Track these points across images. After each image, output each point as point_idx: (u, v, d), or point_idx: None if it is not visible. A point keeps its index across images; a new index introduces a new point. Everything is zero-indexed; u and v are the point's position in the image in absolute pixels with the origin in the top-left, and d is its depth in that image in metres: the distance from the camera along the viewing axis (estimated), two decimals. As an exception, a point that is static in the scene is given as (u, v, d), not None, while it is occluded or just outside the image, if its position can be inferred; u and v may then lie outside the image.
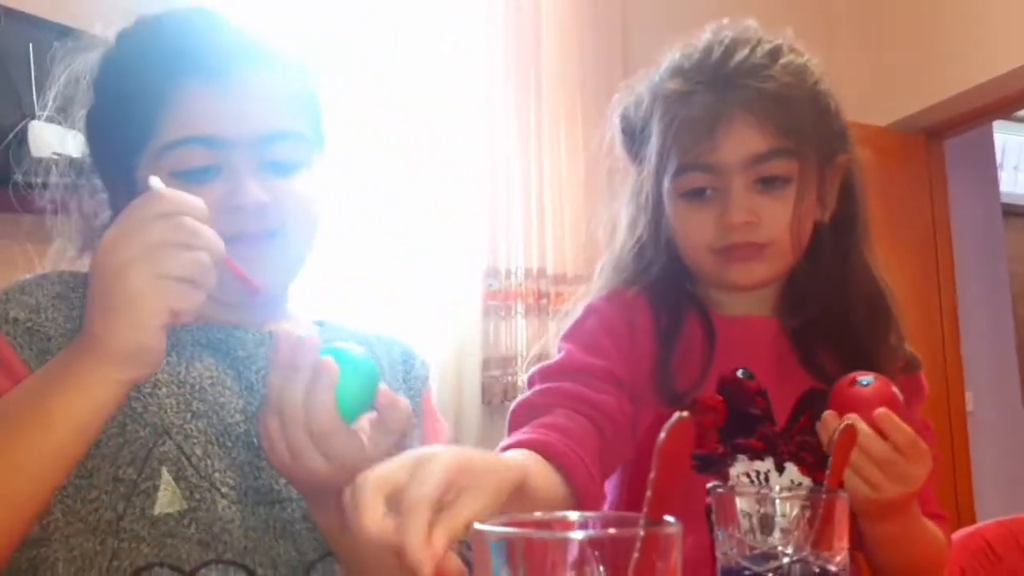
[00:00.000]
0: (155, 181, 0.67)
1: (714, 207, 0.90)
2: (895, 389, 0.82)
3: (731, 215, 0.89)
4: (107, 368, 0.64)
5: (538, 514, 0.45)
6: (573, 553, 0.37)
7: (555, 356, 0.93)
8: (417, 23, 2.57)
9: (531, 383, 0.92)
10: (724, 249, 0.91)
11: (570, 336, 0.95)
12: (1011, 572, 1.11)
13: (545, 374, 0.91)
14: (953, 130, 3.20)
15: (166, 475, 0.73)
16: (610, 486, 0.98)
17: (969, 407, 3.22)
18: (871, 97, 3.18)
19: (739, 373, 0.93)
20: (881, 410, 0.79)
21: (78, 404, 0.64)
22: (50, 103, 0.87)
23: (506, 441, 0.83)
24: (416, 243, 2.52)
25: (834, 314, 0.95)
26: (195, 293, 0.64)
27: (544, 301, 2.57)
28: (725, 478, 0.90)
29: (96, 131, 0.85)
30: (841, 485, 0.66)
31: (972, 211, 3.53)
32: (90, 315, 0.65)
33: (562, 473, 0.78)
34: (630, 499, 0.97)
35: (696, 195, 0.91)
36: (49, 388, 0.65)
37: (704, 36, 0.95)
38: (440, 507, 0.51)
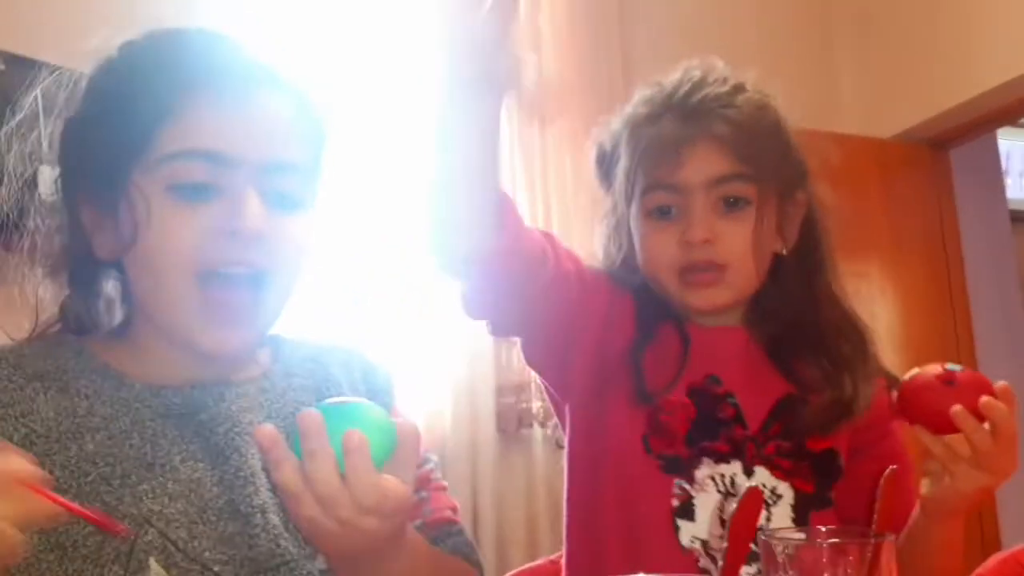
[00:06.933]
0: None
1: (677, 226, 0.96)
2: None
3: (691, 232, 0.94)
4: None
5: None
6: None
7: None
8: (422, 56, 2.57)
9: None
10: (686, 269, 0.96)
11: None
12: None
13: None
14: (958, 139, 3.19)
15: (155, 566, 0.70)
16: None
17: (986, 416, 3.19)
18: (874, 110, 3.18)
19: (709, 379, 0.97)
20: (989, 399, 0.79)
21: None
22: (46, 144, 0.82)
23: None
24: (427, 269, 2.50)
25: (805, 331, 0.99)
26: None
27: (556, 326, 2.56)
28: (691, 480, 0.94)
29: (88, 138, 0.79)
30: (888, 529, 0.65)
31: (980, 219, 3.51)
32: None
33: None
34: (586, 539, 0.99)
35: (661, 214, 0.97)
36: None
37: (674, 74, 1.03)
38: None
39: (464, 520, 2.53)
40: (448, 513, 0.90)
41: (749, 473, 0.94)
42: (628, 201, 1.00)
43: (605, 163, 1.06)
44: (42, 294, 0.84)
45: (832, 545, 0.54)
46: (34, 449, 0.72)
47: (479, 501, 2.39)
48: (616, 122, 1.05)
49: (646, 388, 0.95)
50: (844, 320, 1.01)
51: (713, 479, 0.94)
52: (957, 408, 0.79)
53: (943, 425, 0.81)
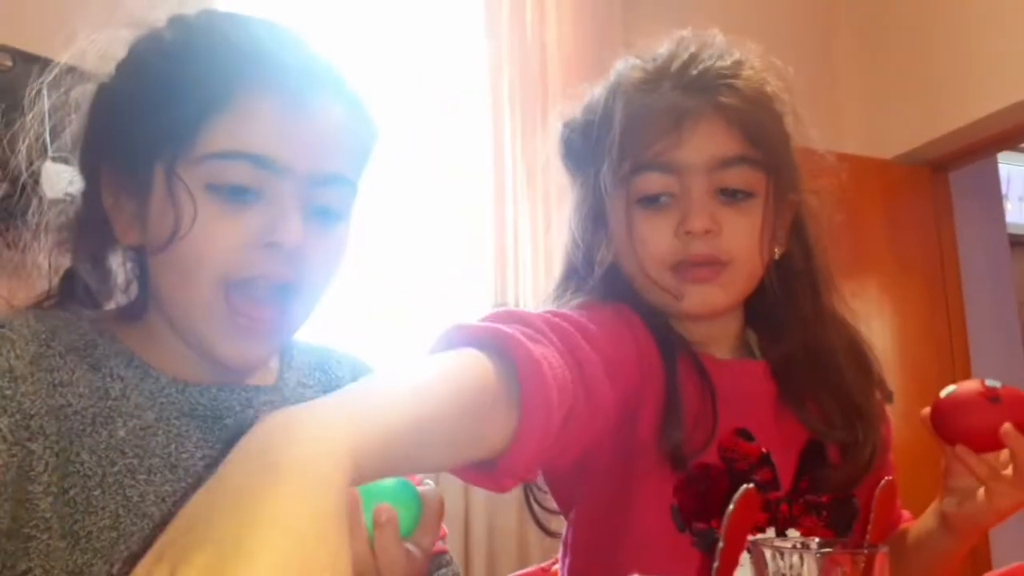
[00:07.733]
0: None
1: (672, 216, 0.82)
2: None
3: (691, 220, 0.80)
4: None
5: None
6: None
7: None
8: (424, 64, 2.59)
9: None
10: (681, 264, 0.82)
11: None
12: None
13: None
14: (958, 162, 3.20)
15: None
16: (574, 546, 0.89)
17: (982, 439, 3.19)
18: (876, 131, 3.19)
19: (739, 434, 0.84)
20: None
21: None
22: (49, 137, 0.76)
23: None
24: (424, 277, 2.51)
25: (811, 357, 0.88)
26: None
27: (553, 336, 2.55)
28: None
29: (123, 114, 0.73)
30: (882, 540, 0.64)
31: (979, 242, 3.52)
32: None
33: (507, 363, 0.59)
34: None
35: (652, 202, 0.83)
36: None
37: (667, 45, 0.89)
38: None
39: (456, 529, 2.52)
40: (440, 544, 0.89)
41: (782, 536, 0.82)
42: (612, 183, 0.84)
43: (583, 139, 0.90)
44: (42, 261, 0.78)
45: (824, 555, 0.54)
46: (67, 424, 0.68)
47: (471, 510, 2.38)
48: (598, 91, 0.90)
49: (683, 452, 0.79)
50: (850, 347, 0.91)
51: (749, 551, 0.79)
52: (1007, 427, 0.75)
53: (989, 443, 0.78)
